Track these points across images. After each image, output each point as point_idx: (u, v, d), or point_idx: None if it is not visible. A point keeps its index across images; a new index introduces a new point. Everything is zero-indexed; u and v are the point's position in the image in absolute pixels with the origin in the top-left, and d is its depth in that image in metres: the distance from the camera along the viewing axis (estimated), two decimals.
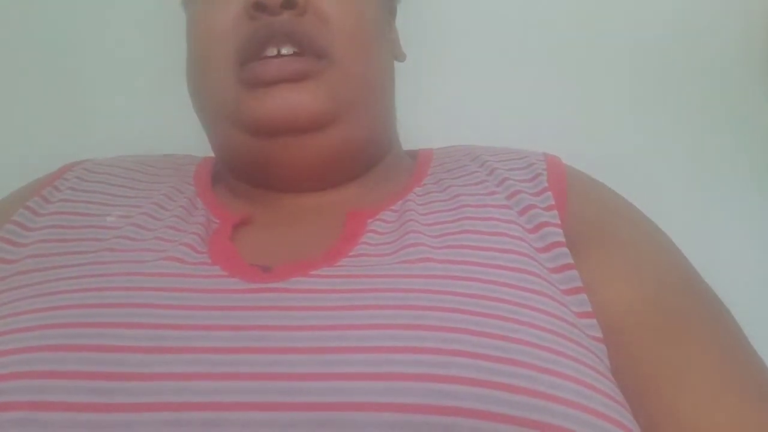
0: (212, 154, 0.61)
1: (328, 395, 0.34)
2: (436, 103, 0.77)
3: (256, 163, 0.53)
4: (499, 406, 0.33)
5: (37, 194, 0.53)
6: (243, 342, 0.37)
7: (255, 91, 0.49)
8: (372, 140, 0.55)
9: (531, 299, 0.41)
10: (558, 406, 0.34)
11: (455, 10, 0.80)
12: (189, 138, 0.64)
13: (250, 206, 0.54)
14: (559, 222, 0.47)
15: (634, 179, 0.59)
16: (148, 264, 0.44)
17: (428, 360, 0.35)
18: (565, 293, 0.44)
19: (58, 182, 0.55)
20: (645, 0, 0.79)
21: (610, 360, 0.42)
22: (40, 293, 0.41)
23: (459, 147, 0.61)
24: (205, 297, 0.41)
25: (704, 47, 0.78)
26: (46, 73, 0.80)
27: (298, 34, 0.50)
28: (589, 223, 0.49)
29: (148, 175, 0.57)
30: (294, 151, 0.51)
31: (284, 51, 0.50)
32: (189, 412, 0.34)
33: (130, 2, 0.81)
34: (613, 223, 0.50)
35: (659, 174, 0.75)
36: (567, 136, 0.70)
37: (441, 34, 0.78)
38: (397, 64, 0.61)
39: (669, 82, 0.78)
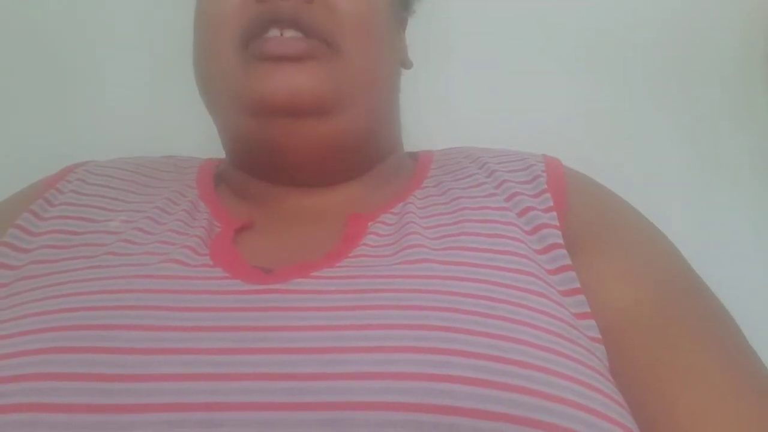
0: (215, 156, 0.61)
1: (329, 395, 0.34)
2: (437, 105, 0.77)
3: (258, 147, 0.53)
4: (498, 406, 0.34)
5: (40, 197, 0.53)
6: (244, 343, 0.37)
7: (259, 68, 0.49)
8: (373, 137, 0.55)
9: (529, 299, 0.41)
10: (557, 405, 0.34)
11: (458, 13, 0.80)
12: (191, 139, 0.64)
13: (252, 208, 0.54)
14: (558, 223, 0.47)
15: (633, 180, 0.59)
16: (150, 267, 0.44)
17: (428, 360, 0.35)
18: (564, 294, 0.44)
19: (61, 184, 0.55)
20: (645, 1, 0.79)
21: (609, 361, 0.42)
22: (43, 297, 0.42)
23: (459, 149, 0.61)
24: (206, 298, 0.41)
25: (704, 47, 0.78)
26: (47, 73, 0.80)
27: (304, 20, 0.49)
28: (587, 225, 0.49)
29: (151, 178, 0.57)
30: (294, 137, 0.51)
31: (288, 34, 0.49)
32: (190, 412, 0.34)
33: (132, 2, 0.81)
34: (612, 224, 0.50)
35: (659, 175, 0.75)
36: (567, 137, 0.70)
37: (443, 36, 0.78)
38: None
39: (669, 84, 0.78)
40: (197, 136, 0.59)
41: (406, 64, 0.63)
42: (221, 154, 0.60)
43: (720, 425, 0.39)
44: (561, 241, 0.46)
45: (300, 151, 0.52)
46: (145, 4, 0.80)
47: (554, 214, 0.48)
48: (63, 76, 0.80)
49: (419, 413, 0.33)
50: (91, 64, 0.80)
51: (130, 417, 0.34)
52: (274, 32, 0.49)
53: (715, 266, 0.50)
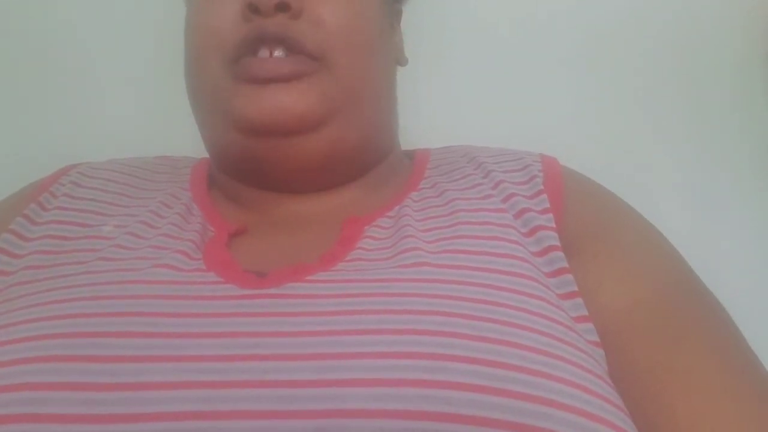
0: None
1: (323, 402, 0.34)
2: (435, 103, 0.76)
3: (247, 161, 0.52)
4: (496, 412, 0.33)
5: (34, 201, 0.53)
6: (237, 349, 0.37)
7: (246, 89, 0.49)
8: (366, 144, 0.55)
9: (527, 303, 0.40)
10: (556, 410, 0.34)
11: (456, 11, 0.79)
12: (188, 139, 0.64)
13: (246, 212, 0.53)
14: (554, 225, 0.47)
15: (633, 180, 0.59)
16: (141, 272, 0.43)
17: (424, 365, 0.35)
18: (562, 297, 0.43)
19: (54, 187, 0.54)
20: (645, 1, 0.79)
21: (608, 364, 0.42)
22: (35, 303, 0.41)
23: (456, 147, 0.61)
24: (198, 304, 0.41)
25: (704, 47, 0.78)
26: (45, 74, 0.80)
27: (290, 37, 0.49)
28: (585, 225, 0.49)
29: (145, 180, 0.57)
30: (283, 153, 0.51)
31: (276, 53, 0.49)
32: (183, 421, 0.33)
33: (129, 2, 0.81)
34: (610, 225, 0.50)
35: (659, 174, 0.75)
36: (567, 136, 0.70)
37: (442, 34, 0.78)
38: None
39: (669, 83, 0.78)
40: (195, 136, 0.59)
41: (402, 61, 0.62)
42: None
43: (719, 428, 0.39)
44: (558, 243, 0.46)
45: (289, 166, 0.52)
46: (143, 4, 0.80)
47: (551, 215, 0.48)
48: (61, 76, 0.79)
49: (414, 420, 0.33)
50: (89, 64, 0.80)
51: (123, 427, 0.33)
52: (263, 52, 0.49)
53: (715, 266, 0.50)
